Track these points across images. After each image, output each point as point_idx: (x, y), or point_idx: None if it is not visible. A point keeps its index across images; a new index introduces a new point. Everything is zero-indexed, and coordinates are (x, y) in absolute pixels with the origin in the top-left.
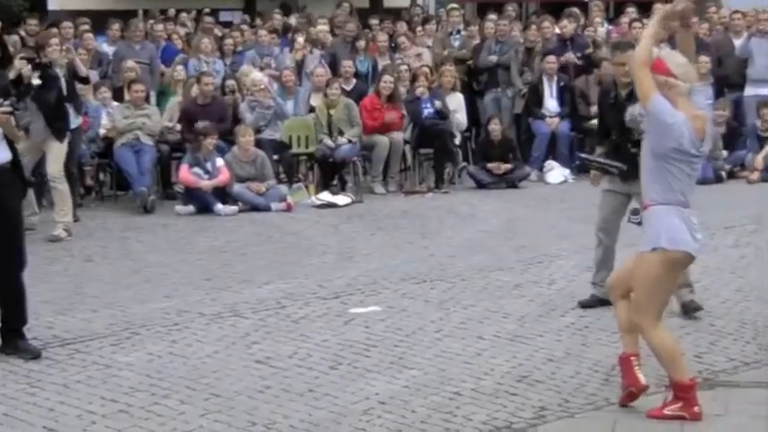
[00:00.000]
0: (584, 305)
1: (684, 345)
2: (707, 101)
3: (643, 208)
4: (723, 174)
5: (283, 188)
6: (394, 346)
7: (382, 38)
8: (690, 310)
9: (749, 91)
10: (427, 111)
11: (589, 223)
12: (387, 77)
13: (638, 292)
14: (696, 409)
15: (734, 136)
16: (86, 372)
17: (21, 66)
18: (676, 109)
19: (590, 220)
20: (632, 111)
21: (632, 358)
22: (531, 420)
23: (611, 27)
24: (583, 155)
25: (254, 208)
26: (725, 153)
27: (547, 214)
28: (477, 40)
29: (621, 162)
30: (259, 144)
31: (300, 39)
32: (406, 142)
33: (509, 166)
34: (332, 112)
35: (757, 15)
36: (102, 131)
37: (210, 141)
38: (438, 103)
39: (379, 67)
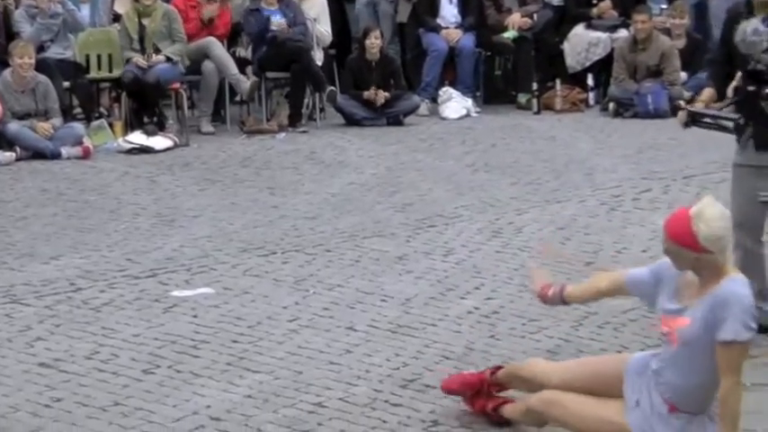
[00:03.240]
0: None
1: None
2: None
3: None
4: (682, 103)
5: (78, 127)
6: (232, 342)
7: None
8: None
9: None
10: (277, 20)
11: (499, 173)
12: None
13: None
14: None
15: (696, 53)
16: None
17: None
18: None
19: (500, 168)
20: (744, 27)
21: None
22: None
23: None
24: (688, 106)
25: (38, 154)
26: (684, 76)
27: (442, 161)
28: None
29: (748, 119)
30: (43, 67)
31: None
32: (248, 62)
33: (390, 94)
34: (145, 21)
35: None
36: None
37: None
38: (278, 21)
39: None
